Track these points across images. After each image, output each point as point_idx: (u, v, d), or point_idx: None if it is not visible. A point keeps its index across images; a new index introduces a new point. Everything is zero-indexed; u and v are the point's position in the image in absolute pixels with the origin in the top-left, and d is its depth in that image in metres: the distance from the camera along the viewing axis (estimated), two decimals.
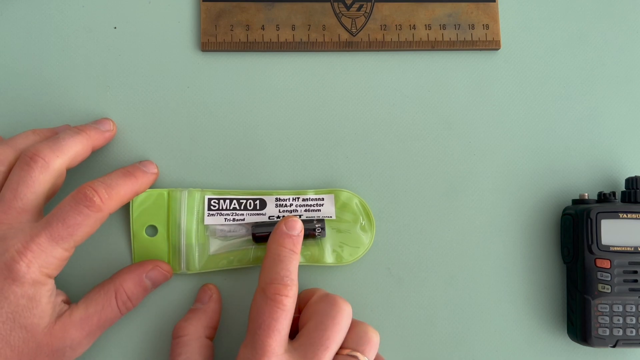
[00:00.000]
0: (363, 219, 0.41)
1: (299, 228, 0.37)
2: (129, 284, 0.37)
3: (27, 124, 0.40)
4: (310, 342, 0.34)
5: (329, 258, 0.40)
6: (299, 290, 0.39)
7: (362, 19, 0.43)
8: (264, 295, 0.34)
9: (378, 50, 0.43)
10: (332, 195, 0.41)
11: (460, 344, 0.42)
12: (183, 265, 0.39)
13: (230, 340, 0.40)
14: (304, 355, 0.34)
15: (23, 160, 0.34)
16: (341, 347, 0.35)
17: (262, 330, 0.33)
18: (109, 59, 0.41)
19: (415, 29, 0.43)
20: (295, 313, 0.38)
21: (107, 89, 0.41)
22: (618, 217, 0.40)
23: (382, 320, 0.41)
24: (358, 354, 0.35)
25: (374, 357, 0.36)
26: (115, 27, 0.42)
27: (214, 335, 0.39)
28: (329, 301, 0.36)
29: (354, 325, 0.36)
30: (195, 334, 0.37)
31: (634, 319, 0.40)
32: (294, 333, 0.36)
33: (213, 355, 0.38)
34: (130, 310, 0.37)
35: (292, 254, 0.36)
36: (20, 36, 0.41)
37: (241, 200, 0.40)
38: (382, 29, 0.43)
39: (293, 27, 0.42)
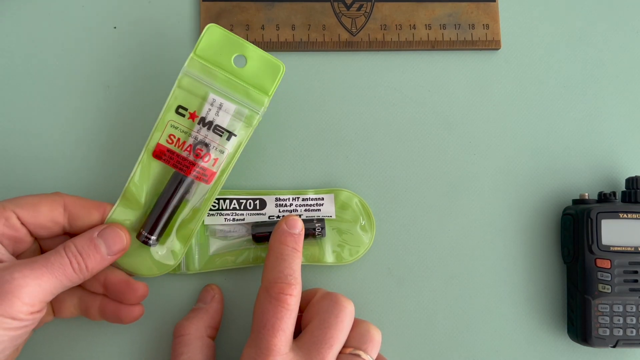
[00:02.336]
0: (363, 219, 0.41)
1: (299, 226, 0.37)
2: (78, 240, 0.34)
3: (27, 124, 0.40)
4: (314, 340, 0.34)
5: (329, 258, 0.40)
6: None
7: (362, 18, 0.43)
8: (268, 294, 0.34)
9: (378, 50, 0.43)
10: (332, 195, 0.41)
11: (460, 344, 0.42)
12: (183, 265, 0.39)
13: (230, 340, 0.40)
14: (308, 354, 0.34)
15: None
16: (344, 346, 0.35)
17: (267, 329, 0.33)
18: (109, 59, 0.41)
19: (415, 28, 0.43)
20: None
21: (107, 89, 0.41)
22: (618, 217, 0.40)
23: (383, 320, 0.41)
24: (361, 352, 0.35)
25: (376, 355, 0.36)
26: (115, 27, 0.42)
27: (215, 335, 0.39)
28: (331, 299, 0.36)
29: (356, 323, 0.36)
30: (197, 333, 0.37)
31: (634, 319, 0.40)
32: (297, 332, 0.36)
33: (215, 355, 0.38)
34: (82, 270, 0.33)
35: (295, 252, 0.36)
36: (20, 36, 0.41)
37: (241, 200, 0.40)
38: (382, 28, 0.43)
39: (293, 27, 0.42)
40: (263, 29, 0.42)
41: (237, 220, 0.40)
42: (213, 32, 0.36)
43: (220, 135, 0.36)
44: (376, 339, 0.36)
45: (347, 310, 0.35)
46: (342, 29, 0.42)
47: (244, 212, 0.40)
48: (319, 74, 0.43)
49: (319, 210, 0.40)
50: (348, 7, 0.43)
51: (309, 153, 0.42)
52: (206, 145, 0.36)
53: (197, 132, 0.36)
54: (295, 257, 0.36)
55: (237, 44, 0.37)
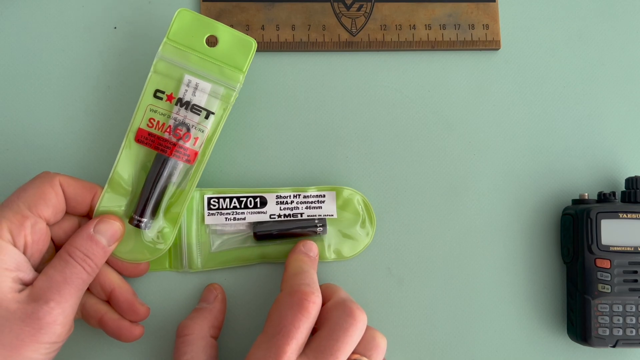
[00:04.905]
0: (364, 216, 0.41)
1: (315, 250, 0.39)
2: (78, 241, 0.35)
3: (27, 124, 0.40)
4: (321, 350, 0.34)
5: (330, 254, 0.40)
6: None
7: (362, 19, 0.43)
8: (290, 299, 0.34)
9: (378, 50, 0.43)
10: (334, 193, 0.41)
11: (460, 344, 0.42)
12: (185, 263, 0.39)
13: (232, 338, 0.40)
14: None
15: None
16: None
17: (282, 335, 0.33)
18: (109, 59, 0.41)
19: (415, 29, 0.43)
20: None
21: (107, 89, 0.41)
22: (618, 217, 0.40)
23: (382, 320, 0.41)
24: (365, 359, 0.35)
25: None
26: (115, 27, 0.42)
27: (218, 335, 0.39)
28: (344, 310, 0.35)
29: None
30: (200, 332, 0.37)
31: (634, 319, 0.40)
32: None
33: (217, 354, 0.38)
34: (94, 269, 0.35)
35: (313, 269, 0.37)
36: (20, 36, 0.41)
37: (241, 199, 0.40)
38: (382, 29, 0.43)
39: (293, 27, 0.42)
40: (263, 29, 0.42)
41: (238, 218, 0.40)
42: (184, 16, 0.37)
43: (199, 114, 0.37)
44: (381, 346, 0.36)
45: (359, 324, 0.35)
46: (342, 29, 0.42)
47: (245, 211, 0.40)
48: (319, 74, 0.43)
49: (320, 207, 0.40)
50: (348, 7, 0.43)
51: (309, 153, 0.42)
52: (185, 125, 0.37)
53: (177, 114, 0.37)
54: (314, 272, 0.37)
55: (207, 25, 0.38)
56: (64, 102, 0.41)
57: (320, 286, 0.38)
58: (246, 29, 0.42)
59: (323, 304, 0.36)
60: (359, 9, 0.43)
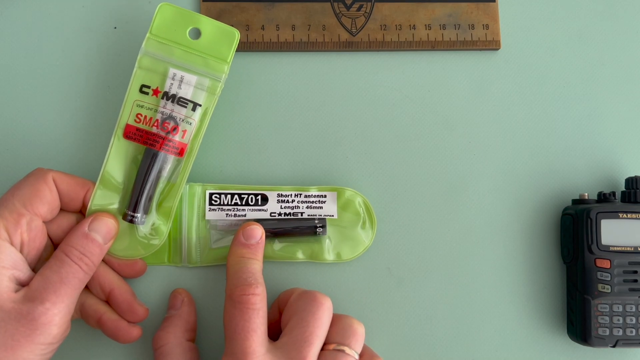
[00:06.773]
0: (365, 218, 0.41)
1: (258, 236, 0.37)
2: (74, 240, 0.34)
3: (27, 124, 0.40)
4: (293, 340, 0.34)
5: (329, 255, 0.40)
6: (280, 292, 0.39)
7: (362, 19, 0.43)
8: (231, 301, 0.34)
9: (378, 50, 0.43)
10: (335, 193, 0.41)
11: (460, 344, 0.42)
12: (184, 258, 0.39)
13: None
14: (288, 354, 0.33)
15: None
16: (327, 343, 0.35)
17: (238, 334, 0.33)
18: (109, 59, 0.41)
19: (415, 29, 0.43)
20: (276, 316, 0.38)
21: (107, 89, 0.41)
22: (618, 217, 0.40)
23: (382, 320, 0.41)
24: (345, 348, 0.34)
25: (360, 349, 0.36)
26: (115, 27, 0.42)
27: (194, 337, 0.39)
28: (308, 298, 0.35)
29: (337, 319, 0.36)
30: (175, 340, 0.37)
31: (634, 319, 0.40)
32: (277, 335, 0.36)
33: (199, 356, 0.38)
34: (91, 268, 0.34)
35: (252, 260, 0.36)
36: (20, 36, 0.41)
37: (242, 196, 0.40)
38: (382, 29, 0.43)
39: (293, 27, 0.42)
40: (263, 29, 0.42)
41: (239, 216, 0.40)
42: (165, 10, 0.38)
43: (185, 107, 0.37)
44: (359, 332, 0.35)
45: (324, 306, 0.35)
46: (342, 29, 0.42)
47: (246, 208, 0.40)
48: (319, 74, 0.43)
49: (321, 207, 0.40)
50: (348, 7, 0.43)
51: (309, 154, 0.42)
52: (173, 118, 0.37)
53: (163, 107, 0.37)
54: (253, 263, 0.36)
55: (189, 17, 0.38)
56: (64, 102, 0.41)
57: (280, 294, 0.38)
58: (246, 29, 0.42)
59: (285, 305, 0.37)
60: (359, 9, 0.43)
